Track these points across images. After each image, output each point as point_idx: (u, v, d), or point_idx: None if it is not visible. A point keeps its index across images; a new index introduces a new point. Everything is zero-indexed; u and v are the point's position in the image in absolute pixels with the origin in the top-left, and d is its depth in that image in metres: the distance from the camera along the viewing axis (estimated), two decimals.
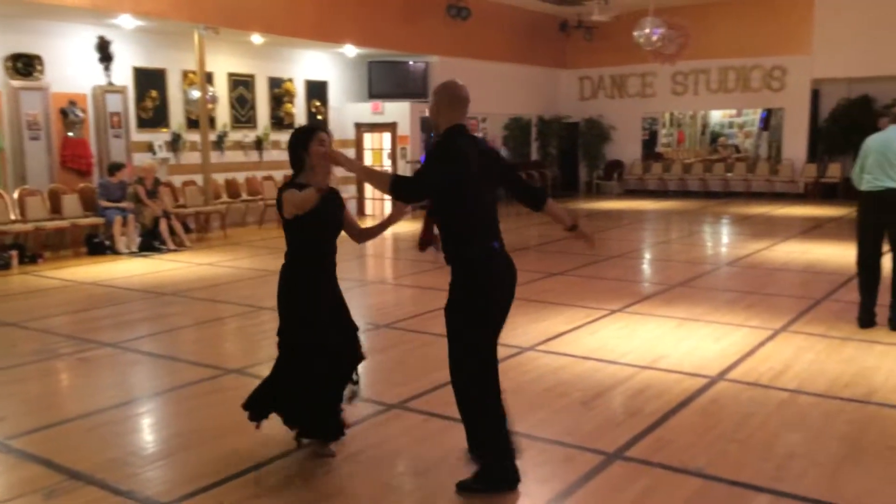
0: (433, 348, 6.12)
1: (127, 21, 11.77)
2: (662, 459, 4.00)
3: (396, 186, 3.48)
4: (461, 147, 3.55)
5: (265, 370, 5.72)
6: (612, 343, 6.18)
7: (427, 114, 10.96)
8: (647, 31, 14.36)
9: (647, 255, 11.04)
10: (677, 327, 6.68)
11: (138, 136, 12.89)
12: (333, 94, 16.36)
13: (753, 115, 23.48)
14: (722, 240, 12.92)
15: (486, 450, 3.60)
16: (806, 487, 3.67)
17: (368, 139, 16.67)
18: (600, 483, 3.74)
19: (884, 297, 6.56)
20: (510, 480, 3.62)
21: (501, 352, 5.69)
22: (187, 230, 12.64)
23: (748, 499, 3.57)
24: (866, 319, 6.53)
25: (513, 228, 14.41)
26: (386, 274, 9.95)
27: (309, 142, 3.89)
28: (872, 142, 6.38)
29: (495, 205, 3.70)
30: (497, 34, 18.31)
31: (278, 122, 15.20)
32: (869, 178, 6.34)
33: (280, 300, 3.98)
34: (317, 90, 15.98)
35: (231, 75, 14.34)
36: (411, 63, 16.77)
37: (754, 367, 5.53)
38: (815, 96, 18.67)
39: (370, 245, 12.85)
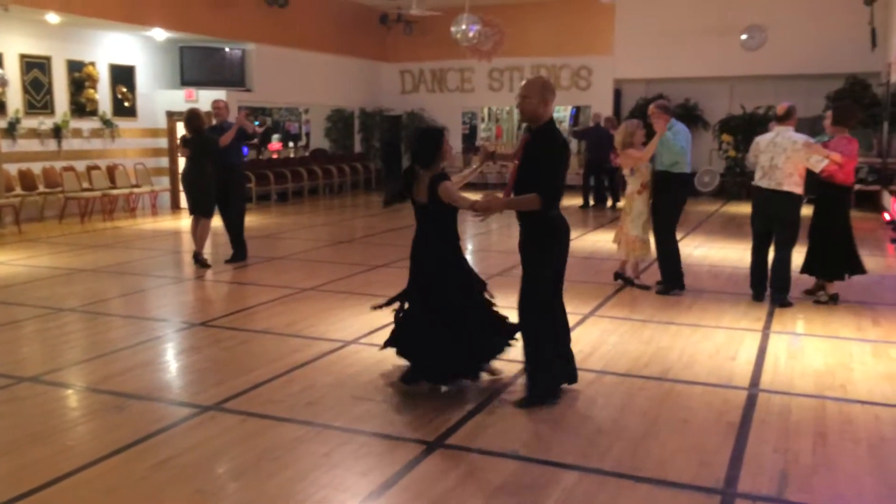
0: (251, 345, 5.95)
1: None
2: (481, 445, 4.12)
3: (546, 200, 4.53)
4: (565, 141, 4.71)
5: (68, 375, 5.34)
6: None
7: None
8: (464, 27, 14.69)
9: (468, 246, 11.34)
10: None
11: None
12: (142, 80, 15.42)
13: (564, 112, 24.74)
14: None
15: (536, 366, 4.71)
16: (611, 462, 3.92)
17: (181, 128, 15.84)
18: (421, 472, 3.79)
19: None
20: (554, 393, 4.76)
21: (324, 346, 5.63)
22: None
23: (558, 476, 3.76)
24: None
25: (336, 221, 14.30)
26: (200, 270, 9.51)
27: (443, 141, 4.93)
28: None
29: None
30: (316, 24, 18.05)
31: (79, 108, 14.11)
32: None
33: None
34: (123, 75, 14.99)
35: (24, 56, 13.12)
36: (227, 50, 16.15)
37: None
38: (618, 95, 20.01)
39: (186, 241, 12.27)
